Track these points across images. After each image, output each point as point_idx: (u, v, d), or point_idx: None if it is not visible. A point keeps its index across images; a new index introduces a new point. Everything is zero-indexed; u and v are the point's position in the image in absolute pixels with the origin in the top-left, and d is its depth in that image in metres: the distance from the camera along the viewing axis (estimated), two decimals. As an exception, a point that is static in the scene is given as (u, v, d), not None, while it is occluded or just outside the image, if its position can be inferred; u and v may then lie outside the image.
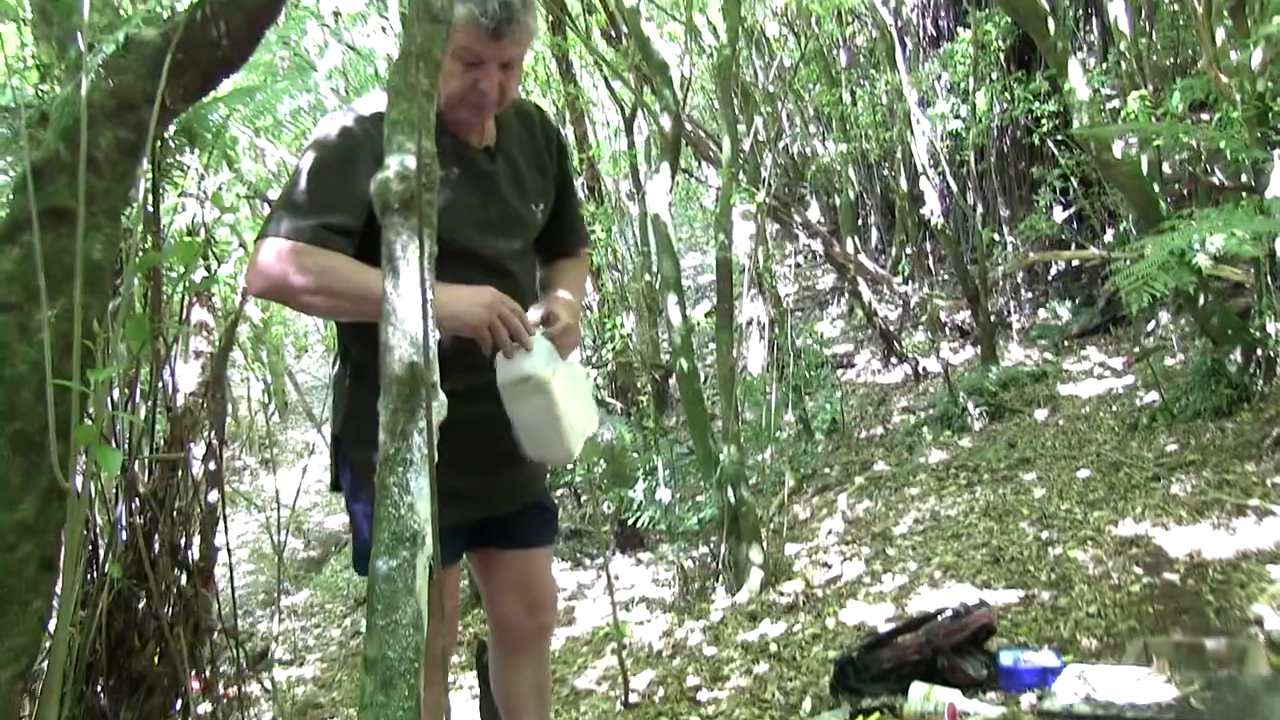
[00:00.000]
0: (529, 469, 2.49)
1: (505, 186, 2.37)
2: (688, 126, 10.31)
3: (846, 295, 12.64)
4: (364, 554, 2.15)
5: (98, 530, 2.82)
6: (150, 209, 2.71)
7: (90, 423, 1.77)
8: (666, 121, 5.92)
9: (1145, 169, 6.58)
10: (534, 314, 2.29)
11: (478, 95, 2.17)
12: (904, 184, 11.35)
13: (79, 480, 1.81)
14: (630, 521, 6.70)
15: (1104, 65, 9.32)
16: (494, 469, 2.38)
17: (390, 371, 1.11)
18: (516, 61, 2.21)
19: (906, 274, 11.47)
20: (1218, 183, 7.24)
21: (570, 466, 7.09)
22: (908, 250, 11.72)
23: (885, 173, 12.86)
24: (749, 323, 8.94)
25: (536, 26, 2.26)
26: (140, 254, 2.58)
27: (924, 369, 9.85)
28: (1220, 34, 5.74)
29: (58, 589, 1.78)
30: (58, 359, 1.66)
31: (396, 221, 1.12)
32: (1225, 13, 5.72)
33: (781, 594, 5.33)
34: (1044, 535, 5.09)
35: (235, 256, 4.29)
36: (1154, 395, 6.84)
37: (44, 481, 1.64)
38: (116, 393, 2.85)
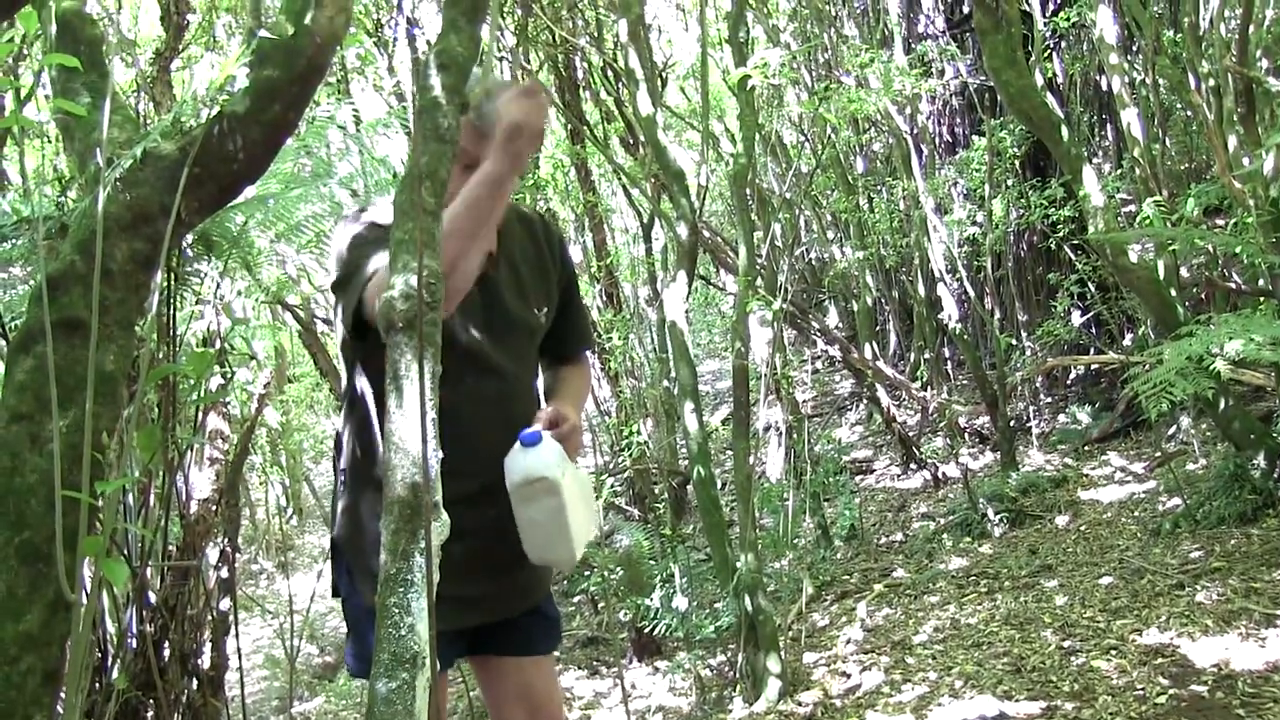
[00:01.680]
0: (532, 574, 2.49)
1: (507, 290, 2.43)
2: (705, 234, 10.44)
3: (865, 401, 12.62)
4: (364, 657, 2.16)
5: (107, 639, 2.80)
6: (165, 318, 2.75)
7: (99, 533, 1.77)
8: (683, 230, 5.99)
9: (1161, 274, 6.60)
10: (543, 416, 2.33)
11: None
12: (921, 289, 11.41)
13: (85, 592, 1.80)
14: (647, 629, 6.62)
15: (1119, 171, 9.42)
16: (497, 574, 2.39)
17: (392, 491, 1.11)
18: None
19: (925, 379, 11.45)
20: (1234, 287, 7.25)
21: (587, 573, 7.03)
22: (926, 355, 11.73)
23: (903, 278, 12.94)
24: (767, 429, 8.93)
25: None
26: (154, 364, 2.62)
27: (943, 475, 9.78)
28: (1233, 141, 5.81)
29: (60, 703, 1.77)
30: (67, 469, 1.67)
31: (401, 341, 1.13)
32: (1236, 120, 5.79)
33: (799, 704, 5.23)
34: (1066, 644, 5.00)
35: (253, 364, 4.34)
36: (1176, 501, 6.76)
37: (50, 592, 1.64)
38: (131, 500, 2.86)
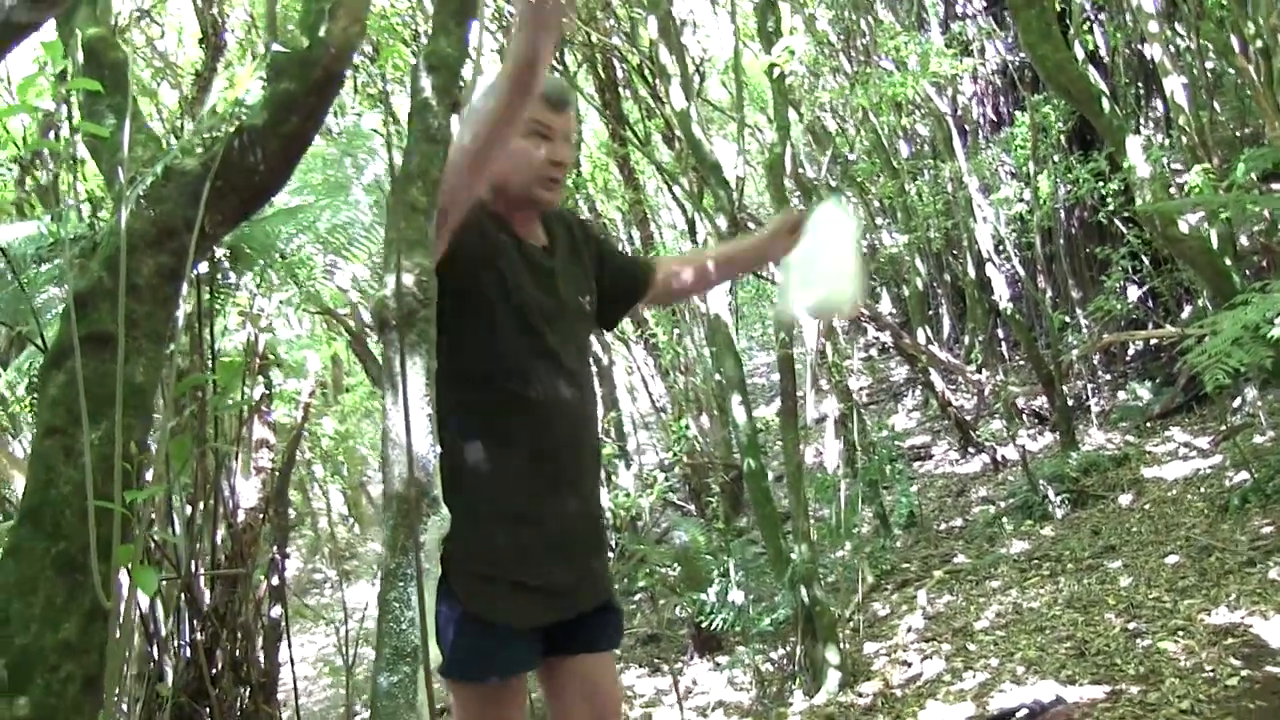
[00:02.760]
0: (604, 565, 2.53)
1: (563, 282, 2.48)
2: (750, 225, 10.40)
3: (920, 386, 12.52)
4: (453, 659, 2.20)
5: (160, 647, 2.86)
6: (197, 330, 2.80)
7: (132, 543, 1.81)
8: (722, 221, 5.98)
9: (1215, 243, 6.47)
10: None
11: (555, 168, 2.38)
12: (971, 271, 11.29)
13: (123, 599, 1.84)
14: (705, 625, 6.61)
15: (1168, 140, 9.25)
16: (577, 561, 2.42)
17: (390, 487, 1.12)
18: (574, 134, 2.47)
19: (979, 362, 11.33)
20: (1292, 253, 7.10)
21: (646, 570, 7.03)
22: (979, 338, 11.60)
23: (952, 260, 12.82)
24: (821, 420, 8.87)
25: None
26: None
27: (1002, 457, 9.67)
28: (1283, 104, 5.68)
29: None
30: (100, 480, 1.71)
31: (395, 338, 1.14)
32: (1285, 83, 5.67)
33: (860, 695, 5.20)
34: (1131, 626, 4.91)
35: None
36: (1244, 475, 6.61)
37: (86, 601, 1.68)
38: (175, 510, 2.91)
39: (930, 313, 13.70)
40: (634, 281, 2.75)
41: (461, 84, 1.48)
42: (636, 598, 8.57)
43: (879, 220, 13.96)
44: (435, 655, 1.11)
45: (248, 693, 3.09)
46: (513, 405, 2.31)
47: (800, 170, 8.21)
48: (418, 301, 1.14)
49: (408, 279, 1.16)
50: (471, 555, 2.21)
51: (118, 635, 1.64)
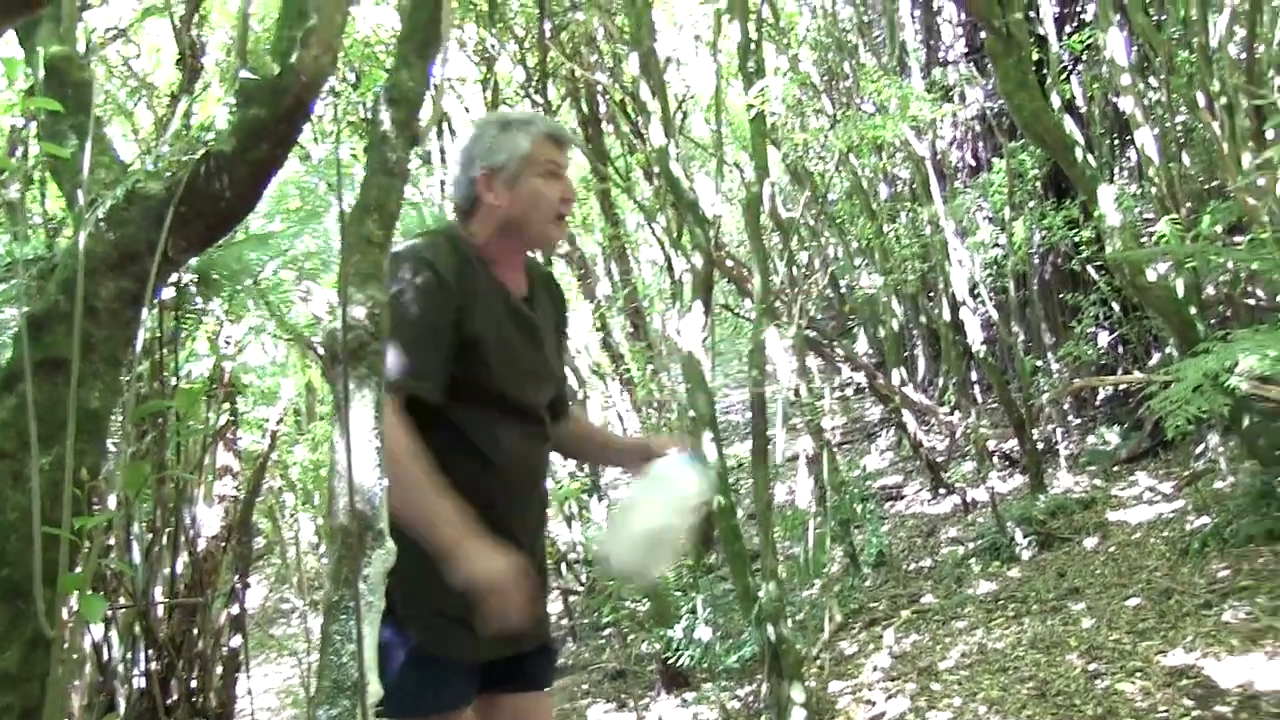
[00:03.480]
0: (543, 606, 2.55)
1: (548, 345, 2.51)
2: (729, 263, 10.46)
3: (893, 427, 12.55)
4: (395, 693, 2.22)
5: (112, 677, 2.83)
6: (160, 355, 2.79)
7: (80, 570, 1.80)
8: (698, 259, 6.00)
9: (1181, 292, 6.55)
10: (670, 441, 2.58)
11: (566, 204, 2.41)
12: (946, 314, 11.36)
13: (70, 628, 1.83)
14: (672, 661, 6.58)
15: (1140, 190, 9.37)
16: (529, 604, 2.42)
17: (335, 520, 1.12)
18: (573, 173, 2.53)
19: (952, 404, 11.38)
20: (1253, 304, 7.18)
21: (615, 605, 7.00)
22: (953, 380, 11.66)
23: (927, 303, 12.90)
24: (793, 458, 8.89)
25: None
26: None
27: (972, 499, 9.70)
28: (1247, 158, 5.77)
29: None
30: (49, 507, 1.69)
31: (346, 371, 1.15)
32: (1248, 137, 5.76)
33: (824, 734, 5.19)
34: (1092, 667, 4.95)
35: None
36: (1205, 519, 6.67)
37: (28, 630, 1.65)
38: (135, 538, 2.89)
39: (906, 354, 13.76)
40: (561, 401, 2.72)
41: (421, 119, 1.50)
42: (605, 632, 8.54)
43: (857, 261, 14.03)
44: (375, 690, 1.11)
45: (202, 723, 3.06)
46: (474, 456, 2.30)
47: (779, 210, 8.24)
48: (368, 334, 1.15)
49: (359, 311, 1.17)
50: (422, 590, 2.22)
51: (60, 665, 1.62)
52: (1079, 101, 11.11)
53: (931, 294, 12.38)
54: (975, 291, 10.62)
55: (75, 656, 2.27)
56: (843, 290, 15.84)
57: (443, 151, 11.78)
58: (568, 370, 2.85)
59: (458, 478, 2.22)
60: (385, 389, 2.05)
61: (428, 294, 2.23)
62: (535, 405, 2.44)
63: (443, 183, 10.70)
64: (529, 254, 2.53)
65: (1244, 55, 5.58)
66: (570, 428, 2.71)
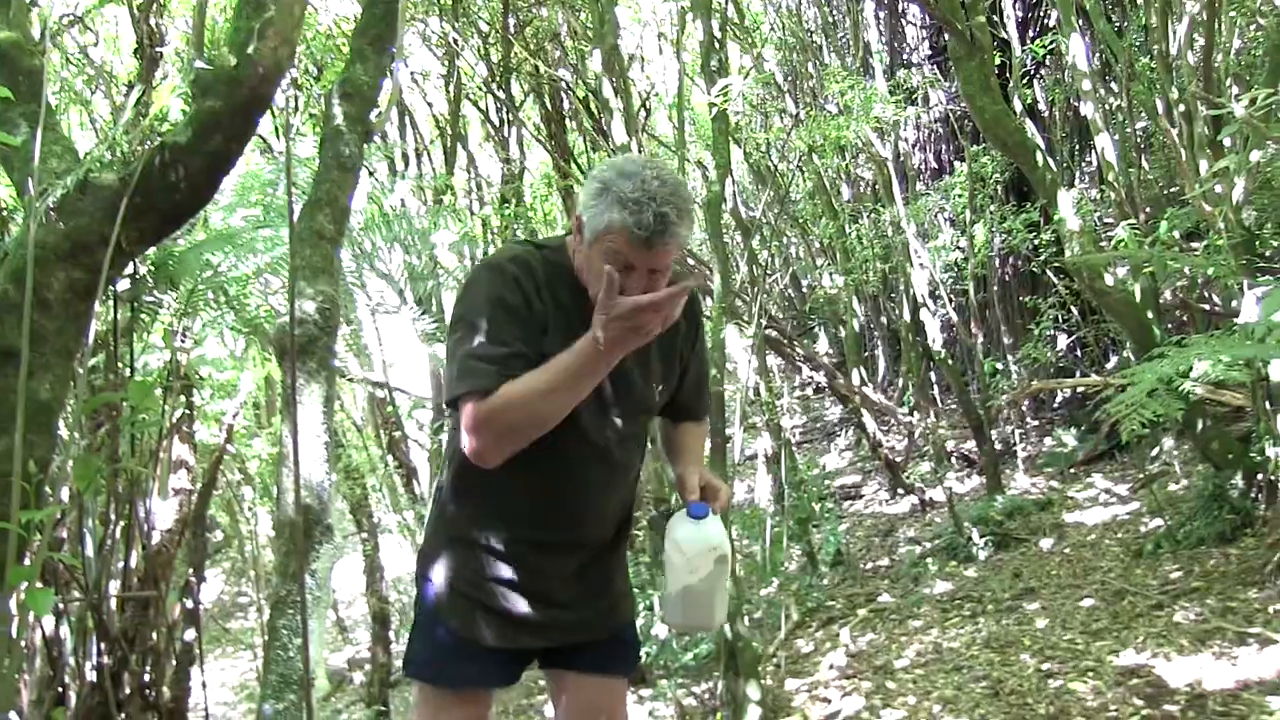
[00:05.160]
0: (618, 601, 2.53)
1: (635, 369, 2.37)
2: (690, 261, 10.47)
3: (853, 427, 12.62)
4: (412, 659, 2.33)
5: (63, 671, 2.80)
6: (114, 347, 2.76)
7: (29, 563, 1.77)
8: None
9: (1139, 296, 6.63)
10: (694, 485, 2.37)
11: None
12: (906, 315, 11.44)
13: (16, 621, 1.80)
14: (629, 658, 6.59)
15: (1099, 195, 9.47)
16: (571, 606, 2.43)
17: (284, 514, 1.12)
18: (665, 269, 2.20)
19: (912, 404, 11.47)
20: (1209, 309, 7.28)
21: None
22: (913, 381, 11.75)
23: (887, 304, 12.99)
24: (752, 456, 8.92)
25: (690, 233, 2.28)
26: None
27: (930, 499, 9.78)
28: (1204, 165, 5.85)
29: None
30: (-3, 499, 1.68)
31: (296, 365, 1.15)
32: (1206, 144, 5.84)
33: (779, 731, 5.22)
34: (1045, 667, 4.99)
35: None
36: (1159, 521, 6.76)
37: (-24, 623, 1.64)
38: (88, 530, 2.86)
39: (866, 354, 13.84)
40: (684, 410, 2.62)
41: (377, 111, 1.48)
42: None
43: (819, 260, 14.09)
44: (322, 685, 1.11)
45: (155, 718, 3.04)
46: (530, 467, 2.24)
47: (740, 208, 8.28)
48: (318, 329, 1.14)
49: (309, 306, 1.16)
50: (460, 575, 2.30)
51: (8, 658, 1.60)
52: (1041, 106, 11.22)
53: (892, 295, 12.47)
54: (936, 293, 10.71)
55: (24, 649, 2.25)
56: (804, 290, 15.92)
57: (406, 153, 11.74)
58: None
59: (518, 484, 2.24)
60: (480, 387, 2.06)
61: (507, 298, 2.17)
62: (602, 436, 2.34)
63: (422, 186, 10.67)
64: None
65: (1202, 63, 5.65)
66: (671, 432, 2.65)
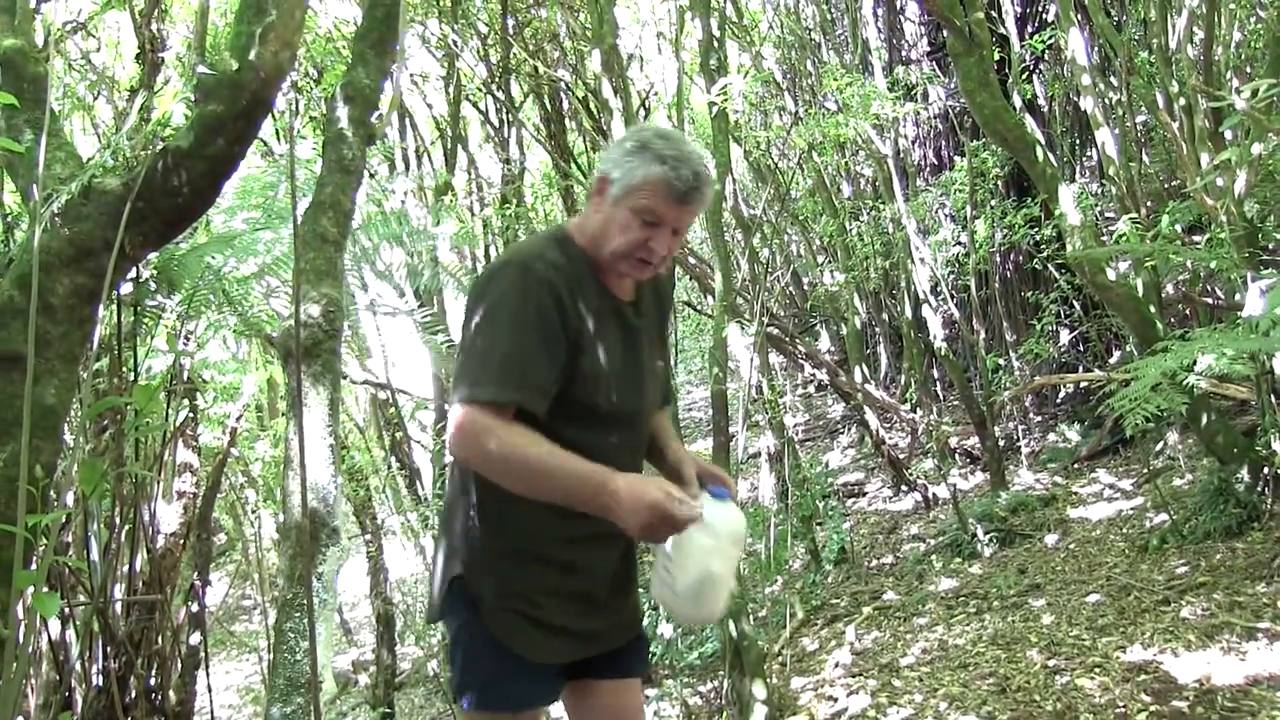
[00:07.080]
0: (635, 603, 2.54)
1: (646, 343, 2.42)
2: (691, 260, 10.47)
3: (855, 424, 12.62)
4: (468, 688, 2.28)
5: (69, 675, 2.80)
6: (118, 351, 2.76)
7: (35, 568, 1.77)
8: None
9: (1140, 291, 6.62)
10: (704, 474, 2.41)
11: (646, 252, 2.23)
12: (908, 311, 11.44)
13: (24, 625, 1.81)
14: (635, 657, 6.58)
15: (1099, 189, 9.47)
16: (612, 609, 2.44)
17: (290, 517, 1.11)
18: (684, 231, 2.29)
19: (914, 401, 11.46)
20: (1212, 303, 7.28)
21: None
22: (915, 377, 11.75)
23: (889, 300, 12.98)
24: (755, 454, 8.91)
25: (708, 204, 2.35)
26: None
27: (934, 496, 9.77)
28: (1205, 158, 5.85)
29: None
30: (3, 503, 1.67)
31: (301, 368, 1.14)
32: (1206, 138, 5.83)
33: (785, 730, 5.21)
34: (1052, 663, 4.99)
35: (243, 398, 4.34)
36: (1164, 516, 6.74)
37: (-17, 628, 1.64)
38: (94, 534, 2.86)
39: (868, 351, 13.83)
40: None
41: (378, 114, 1.48)
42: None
43: (819, 258, 14.09)
44: (328, 687, 1.10)
45: (160, 721, 3.04)
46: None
47: (741, 207, 8.28)
48: (323, 332, 1.14)
49: (314, 309, 1.16)
50: (509, 593, 2.27)
51: (15, 663, 1.60)
52: (1040, 101, 11.22)
53: (894, 292, 12.46)
54: (937, 289, 10.70)
55: (31, 654, 2.25)
56: (805, 287, 15.91)
57: (406, 155, 11.73)
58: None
59: None
60: (495, 398, 2.05)
61: (542, 309, 2.15)
62: (633, 412, 2.37)
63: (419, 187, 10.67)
64: None
65: (1202, 57, 5.65)
66: (657, 429, 2.60)
